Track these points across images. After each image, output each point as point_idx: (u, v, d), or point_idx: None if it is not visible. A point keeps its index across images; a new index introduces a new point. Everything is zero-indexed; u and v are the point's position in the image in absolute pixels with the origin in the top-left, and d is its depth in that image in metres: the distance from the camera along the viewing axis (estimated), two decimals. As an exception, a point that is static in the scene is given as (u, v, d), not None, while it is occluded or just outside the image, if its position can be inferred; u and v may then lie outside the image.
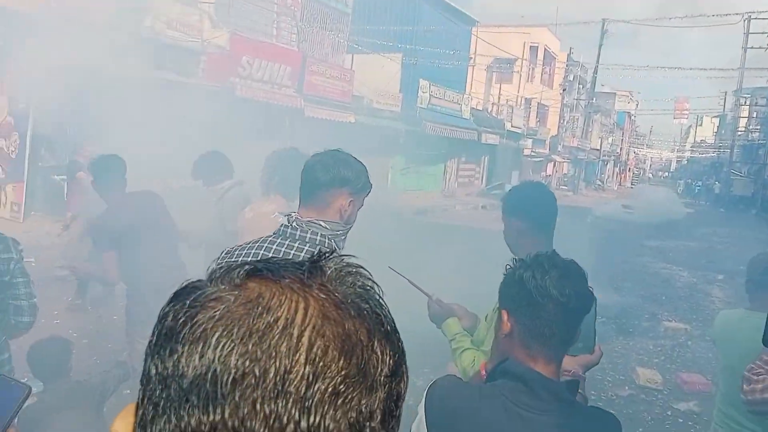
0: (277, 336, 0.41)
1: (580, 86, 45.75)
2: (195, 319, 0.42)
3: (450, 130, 24.37)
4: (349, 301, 0.45)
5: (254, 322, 0.41)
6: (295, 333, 0.41)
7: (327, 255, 0.49)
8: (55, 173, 10.70)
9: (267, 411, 0.39)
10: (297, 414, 0.39)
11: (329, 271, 0.47)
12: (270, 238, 1.94)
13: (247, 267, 0.46)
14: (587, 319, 1.69)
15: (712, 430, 3.05)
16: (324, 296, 0.44)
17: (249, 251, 1.94)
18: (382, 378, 0.44)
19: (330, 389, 0.40)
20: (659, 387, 5.95)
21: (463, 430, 1.38)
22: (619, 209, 21.71)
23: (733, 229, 18.40)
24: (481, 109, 29.81)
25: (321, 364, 0.41)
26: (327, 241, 1.88)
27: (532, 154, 36.83)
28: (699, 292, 10.69)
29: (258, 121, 15.80)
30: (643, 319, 8.62)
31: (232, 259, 1.92)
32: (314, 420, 0.39)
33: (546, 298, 1.39)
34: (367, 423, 0.42)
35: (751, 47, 33.59)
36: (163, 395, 0.41)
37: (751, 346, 2.04)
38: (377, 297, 0.48)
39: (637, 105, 71.19)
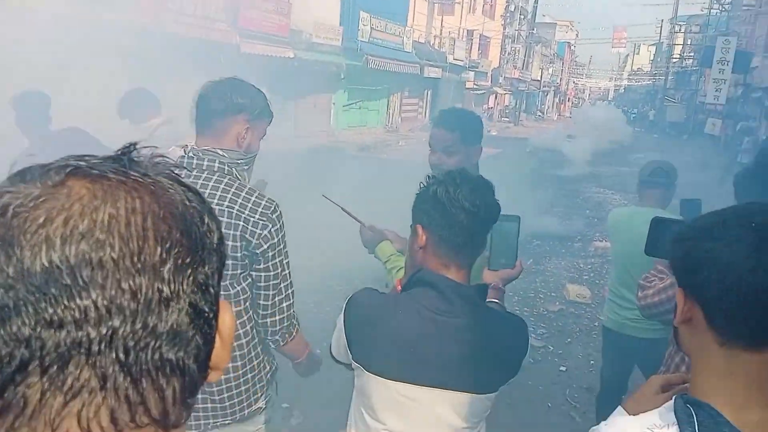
0: (123, 224, 0.45)
1: (521, 17, 45.62)
2: (28, 223, 0.44)
3: (392, 64, 24.11)
4: (173, 184, 0.51)
5: (96, 215, 0.45)
6: (139, 220, 0.46)
7: (134, 146, 0.53)
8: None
9: (132, 287, 0.45)
10: (158, 284, 0.46)
11: (145, 161, 0.52)
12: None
13: (65, 166, 0.48)
14: (509, 236, 1.84)
15: (606, 307, 3.49)
16: (151, 183, 0.49)
17: None
18: (215, 245, 0.52)
19: (179, 261, 0.47)
20: (587, 301, 6.35)
21: (380, 337, 1.49)
22: (561, 138, 22.21)
23: (664, 154, 19.15)
24: (423, 42, 29.47)
25: (168, 242, 0.47)
26: (227, 168, 1.88)
27: (475, 86, 36.90)
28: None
29: (190, 59, 15.25)
30: (575, 240, 9.06)
31: None
32: (173, 287, 0.47)
33: (458, 209, 1.48)
34: (210, 282, 0.51)
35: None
36: (12, 297, 0.42)
37: (639, 235, 2.29)
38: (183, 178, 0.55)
39: (577, 35, 71.77)
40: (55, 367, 0.43)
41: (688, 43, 42.87)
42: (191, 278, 0.48)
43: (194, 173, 1.86)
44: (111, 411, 0.44)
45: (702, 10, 38.14)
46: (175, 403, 0.48)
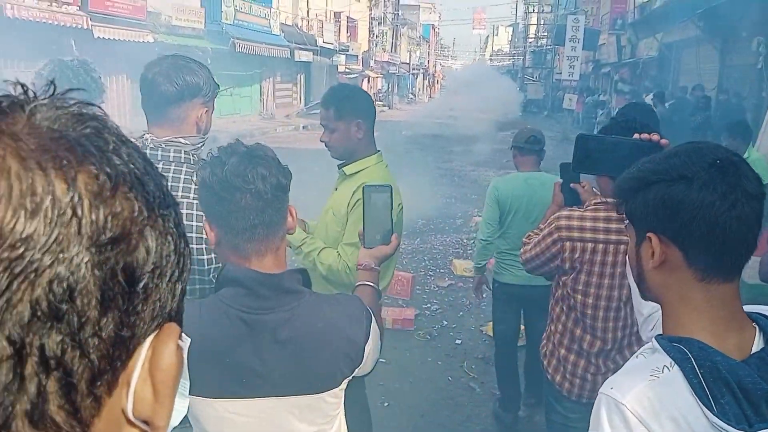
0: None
1: (386, -1, 46.19)
2: None
3: (261, 47, 23.41)
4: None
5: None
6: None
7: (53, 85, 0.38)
8: None
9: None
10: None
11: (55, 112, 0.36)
12: None
13: None
14: (382, 208, 1.67)
15: (498, 267, 3.76)
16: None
17: None
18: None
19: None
20: (474, 275, 6.54)
21: (190, 352, 1.29)
22: (432, 121, 22.84)
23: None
24: (290, 24, 28.92)
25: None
26: (191, 157, 1.78)
27: (347, 70, 36.89)
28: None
29: (38, 45, 13.89)
30: (456, 217, 9.31)
31: None
32: None
33: (230, 190, 1.27)
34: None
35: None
36: None
37: (541, 195, 2.38)
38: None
39: (439, 17, 73.96)
40: None
41: (542, 23, 45.61)
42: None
43: (161, 165, 1.71)
44: None
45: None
46: None
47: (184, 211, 1.72)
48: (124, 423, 0.38)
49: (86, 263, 0.33)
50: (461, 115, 25.67)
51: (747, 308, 1.04)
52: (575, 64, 24.89)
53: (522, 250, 2.42)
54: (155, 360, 0.38)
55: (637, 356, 1.02)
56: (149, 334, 0.39)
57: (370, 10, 42.16)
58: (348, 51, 36.14)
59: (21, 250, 0.31)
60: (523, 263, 2.43)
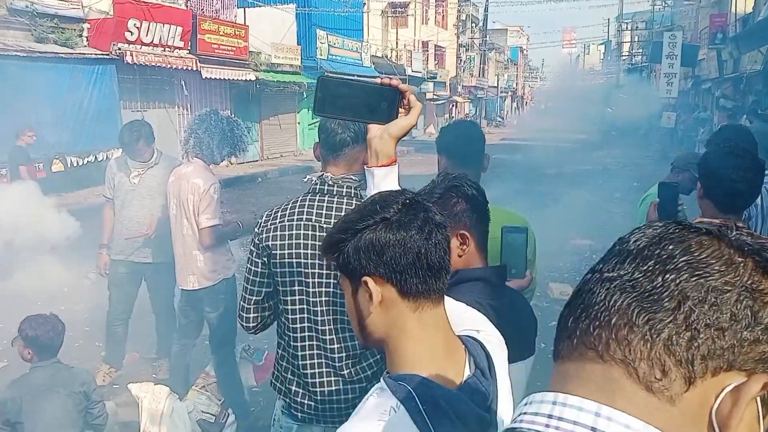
0: None
1: (473, 25, 46.52)
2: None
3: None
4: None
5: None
6: None
7: None
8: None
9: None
10: None
11: None
12: (309, 197, 2.10)
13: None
14: (517, 247, 2.01)
15: None
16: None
17: (293, 210, 2.08)
18: None
19: None
20: (571, 297, 6.54)
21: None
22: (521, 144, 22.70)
23: (624, 150, 19.74)
24: (380, 56, 29.81)
25: None
26: (357, 191, 2.10)
27: (435, 97, 37.41)
28: (598, 209, 11.54)
29: (153, 87, 15.18)
30: (552, 240, 9.27)
31: (276, 221, 2.05)
32: None
33: (485, 205, 1.80)
34: None
35: (628, -26, 35.20)
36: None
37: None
38: None
39: (528, 39, 73.30)
40: None
41: (636, 40, 44.29)
42: None
43: (336, 199, 2.07)
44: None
45: (646, 7, 39.52)
46: None
47: None
48: (703, 419, 0.55)
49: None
50: (550, 136, 25.33)
51: (459, 331, 1.14)
52: (673, 81, 23.99)
53: None
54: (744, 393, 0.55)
55: (368, 397, 1.04)
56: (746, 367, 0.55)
57: (458, 37, 42.63)
58: (436, 78, 36.66)
59: None
60: None
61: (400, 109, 1.39)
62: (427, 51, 36.69)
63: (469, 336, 1.14)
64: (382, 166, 1.43)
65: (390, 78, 1.46)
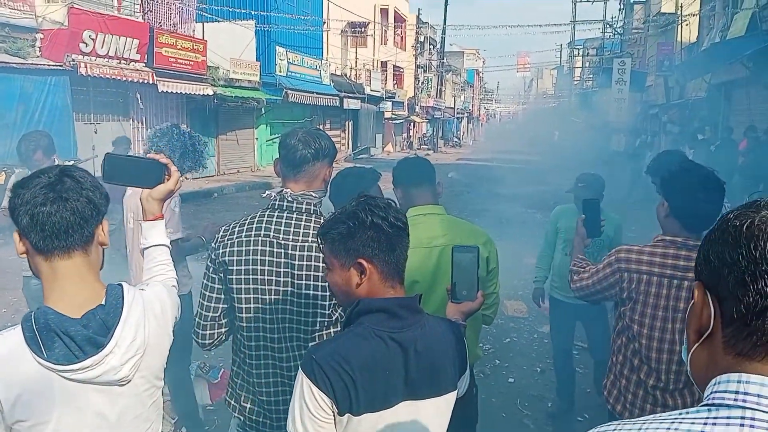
0: None
1: (431, 47, 47.23)
2: None
3: (312, 97, 24.33)
4: None
5: None
6: None
7: None
8: None
9: None
10: None
11: None
12: (267, 213, 2.09)
13: None
14: (469, 267, 1.88)
15: (554, 284, 4.60)
16: None
17: (251, 226, 2.07)
18: None
19: None
20: (525, 315, 6.67)
21: (359, 375, 1.45)
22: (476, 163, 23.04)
23: (573, 172, 20.29)
24: (339, 74, 29.95)
25: None
26: (316, 209, 2.10)
27: (393, 116, 37.74)
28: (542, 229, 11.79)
29: (107, 100, 14.88)
30: (507, 259, 9.42)
31: (234, 237, 2.05)
32: None
33: (396, 229, 1.54)
34: None
35: (580, 1, 36.40)
36: None
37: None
38: None
39: (483, 62, 74.83)
40: None
41: (587, 65, 45.67)
42: None
43: (294, 215, 2.07)
44: None
45: (597, 34, 40.86)
46: None
47: (312, 254, 2.01)
48: None
49: None
50: (504, 157, 25.78)
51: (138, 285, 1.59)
52: (622, 106, 24.85)
53: (575, 278, 2.61)
54: None
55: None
56: None
57: (416, 58, 43.22)
58: (394, 98, 37.02)
59: None
60: (575, 290, 2.62)
61: (165, 176, 1.76)
62: (386, 71, 37.07)
63: (120, 284, 1.48)
64: (148, 220, 1.77)
65: (156, 154, 1.90)
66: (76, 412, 1.36)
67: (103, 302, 1.40)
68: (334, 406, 1.45)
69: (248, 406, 2.15)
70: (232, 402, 2.21)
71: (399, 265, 1.58)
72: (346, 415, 1.46)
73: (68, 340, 1.31)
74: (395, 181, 2.78)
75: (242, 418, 2.17)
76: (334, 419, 1.47)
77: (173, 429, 3.71)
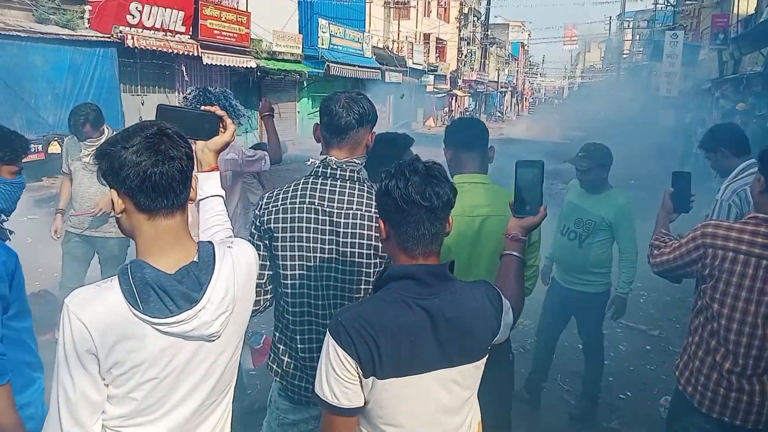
0: None
1: (475, 19, 46.36)
2: None
3: (354, 70, 24.24)
4: None
5: None
6: None
7: None
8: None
9: None
10: None
11: None
12: (311, 179, 2.08)
13: None
14: (533, 182, 1.91)
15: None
16: None
17: (295, 193, 2.07)
18: None
19: None
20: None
21: (384, 341, 1.49)
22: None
23: (624, 146, 19.76)
24: (382, 47, 29.71)
25: None
26: (359, 176, 2.09)
27: (435, 90, 37.34)
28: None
29: (153, 72, 15.11)
30: (548, 234, 9.29)
31: (278, 204, 2.05)
32: None
33: (410, 204, 1.53)
34: None
35: (631, -28, 35.04)
36: None
37: None
38: None
39: (529, 35, 73.10)
40: None
41: (637, 38, 44.19)
42: None
43: (338, 182, 2.06)
44: None
45: (648, 6, 39.43)
46: None
47: (357, 221, 2.01)
48: None
49: None
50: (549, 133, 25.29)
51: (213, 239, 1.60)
52: (673, 81, 24.00)
53: (655, 252, 2.52)
54: None
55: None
56: None
57: (459, 30, 42.50)
58: (436, 71, 36.58)
59: None
60: (653, 265, 2.53)
61: (221, 129, 1.77)
62: (429, 43, 36.58)
63: (211, 242, 1.50)
64: (204, 171, 1.76)
65: (212, 106, 1.83)
66: (165, 366, 1.39)
67: (196, 259, 1.42)
68: (358, 368, 1.49)
69: (290, 370, 2.18)
70: (274, 366, 2.24)
71: (411, 237, 1.57)
72: (371, 378, 1.49)
73: (163, 295, 1.34)
74: (446, 141, 2.69)
75: (284, 383, 2.20)
76: (360, 382, 1.51)
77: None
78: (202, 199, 1.78)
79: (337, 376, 1.49)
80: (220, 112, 1.76)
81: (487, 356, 1.64)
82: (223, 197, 1.82)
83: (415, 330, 1.52)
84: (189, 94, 3.63)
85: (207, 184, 1.78)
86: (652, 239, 2.61)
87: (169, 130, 1.40)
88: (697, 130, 18.85)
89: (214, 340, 1.45)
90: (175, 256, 1.40)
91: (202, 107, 1.85)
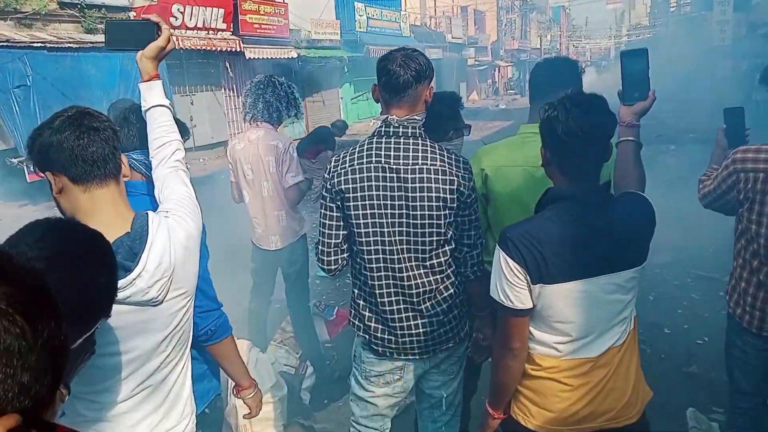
0: None
1: (513, -14, 45.31)
2: None
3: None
4: None
5: None
6: None
7: None
8: (11, 156, 10.42)
9: None
10: None
11: None
12: (375, 139, 2.14)
13: None
14: (639, 69, 1.98)
15: None
16: None
17: (361, 153, 2.13)
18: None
19: None
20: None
21: (549, 252, 1.67)
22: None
23: (676, 99, 19.12)
24: (419, 24, 29.46)
25: None
26: (421, 132, 2.14)
27: (476, 62, 36.80)
28: (655, 162, 11.27)
29: (199, 71, 15.48)
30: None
31: (346, 165, 2.12)
32: None
33: (571, 136, 1.65)
34: None
35: None
36: None
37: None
38: None
39: (570, -3, 70.85)
40: None
41: (684, -11, 42.22)
42: None
43: (402, 140, 2.12)
44: None
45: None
46: None
47: (423, 176, 2.07)
48: None
49: None
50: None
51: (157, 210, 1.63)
52: (726, 29, 22.93)
53: (700, 186, 2.56)
54: None
55: None
56: None
57: (498, 1, 41.66)
58: (477, 43, 36.04)
59: None
60: (700, 199, 2.56)
61: (156, 34, 1.79)
62: (467, 16, 36.03)
63: (147, 213, 1.54)
64: (144, 81, 1.79)
65: (146, 14, 1.86)
66: (114, 330, 1.48)
67: (129, 230, 1.49)
68: (527, 275, 1.69)
69: (372, 324, 2.26)
70: (356, 322, 2.33)
71: (585, 164, 1.71)
72: (539, 284, 1.69)
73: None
74: (532, 96, 2.50)
75: (367, 337, 2.29)
76: (528, 287, 1.71)
77: (299, 362, 3.95)
78: (146, 110, 1.80)
79: (509, 282, 1.71)
80: (155, 18, 1.81)
81: (645, 261, 1.79)
82: (168, 107, 1.83)
83: (578, 241, 1.68)
84: (258, 82, 3.68)
85: (149, 94, 1.79)
86: (702, 175, 2.61)
87: (89, 109, 1.49)
88: (755, 77, 18.02)
89: (157, 305, 1.52)
90: (113, 226, 1.46)
91: (143, 15, 1.91)
